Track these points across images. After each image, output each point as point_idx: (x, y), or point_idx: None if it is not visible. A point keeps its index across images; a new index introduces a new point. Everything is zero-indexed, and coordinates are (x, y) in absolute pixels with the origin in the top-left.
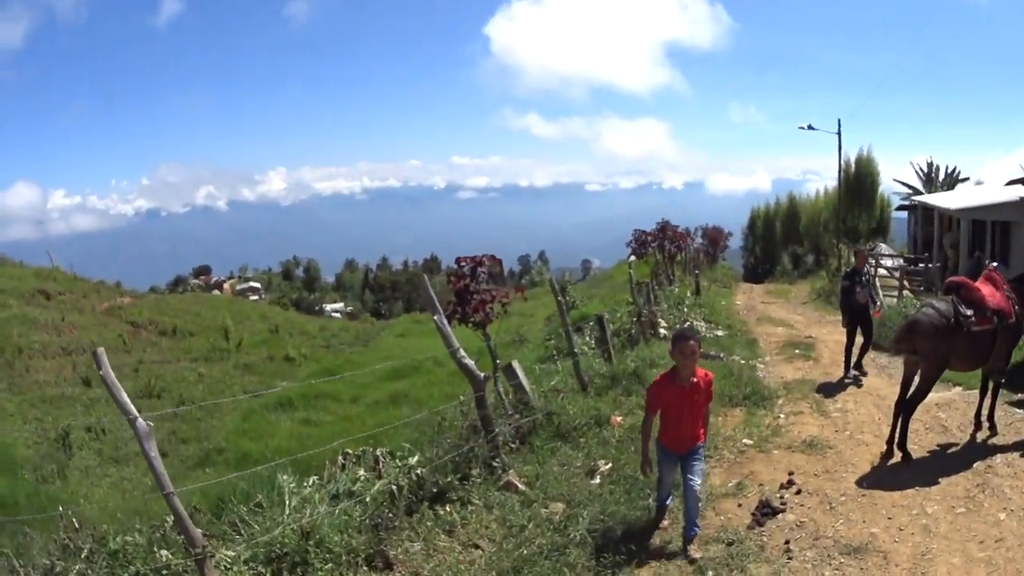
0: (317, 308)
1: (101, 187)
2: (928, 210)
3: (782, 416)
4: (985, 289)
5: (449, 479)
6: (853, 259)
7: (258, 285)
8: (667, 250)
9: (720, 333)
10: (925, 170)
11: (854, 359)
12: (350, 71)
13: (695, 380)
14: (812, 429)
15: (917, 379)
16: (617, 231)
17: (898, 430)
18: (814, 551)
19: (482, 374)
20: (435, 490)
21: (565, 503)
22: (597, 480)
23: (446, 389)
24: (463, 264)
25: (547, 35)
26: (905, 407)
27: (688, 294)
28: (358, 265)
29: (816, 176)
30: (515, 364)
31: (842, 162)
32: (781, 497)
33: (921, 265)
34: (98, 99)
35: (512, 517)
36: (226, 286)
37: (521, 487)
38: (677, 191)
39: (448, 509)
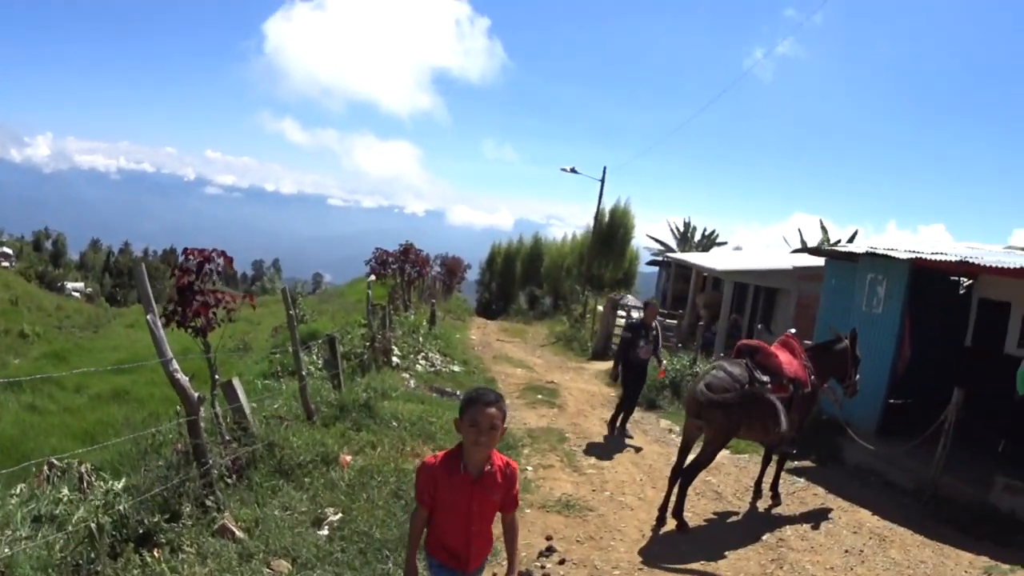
0: (59, 284)
1: None
2: (682, 267)
3: (530, 468)
4: (783, 356)
5: (156, 519)
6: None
7: (10, 252)
8: (407, 274)
9: (456, 368)
10: (681, 229)
11: (618, 422)
12: (130, 44)
13: (490, 470)
14: (566, 486)
15: (699, 444)
16: (353, 248)
17: (674, 498)
18: None
19: (196, 394)
20: (141, 530)
21: (290, 560)
22: (325, 531)
23: (166, 390)
24: (191, 258)
25: (320, 42)
26: (684, 474)
27: (424, 322)
28: (102, 246)
29: (560, 221)
30: (236, 383)
31: (598, 211)
32: (543, 567)
33: (674, 321)
34: None
35: (229, 575)
36: None
37: (239, 534)
38: (418, 217)
39: (157, 555)
